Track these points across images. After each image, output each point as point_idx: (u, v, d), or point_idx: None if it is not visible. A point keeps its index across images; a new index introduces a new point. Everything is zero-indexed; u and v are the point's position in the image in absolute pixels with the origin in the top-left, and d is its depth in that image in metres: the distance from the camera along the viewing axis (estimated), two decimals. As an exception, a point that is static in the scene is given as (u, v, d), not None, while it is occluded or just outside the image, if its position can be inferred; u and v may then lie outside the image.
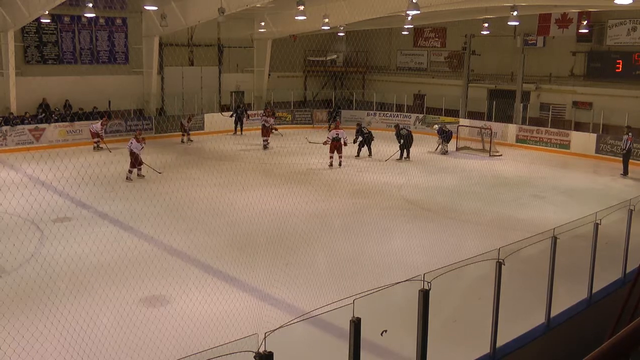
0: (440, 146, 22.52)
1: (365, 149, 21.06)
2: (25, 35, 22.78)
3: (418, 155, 21.04)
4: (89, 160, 13.89)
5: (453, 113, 26.58)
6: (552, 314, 6.48)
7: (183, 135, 23.77)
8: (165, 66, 26.21)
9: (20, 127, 21.24)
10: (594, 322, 6.97)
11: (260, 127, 23.34)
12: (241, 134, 25.73)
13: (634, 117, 20.84)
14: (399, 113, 28.61)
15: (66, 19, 23.73)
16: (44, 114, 22.27)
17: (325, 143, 19.32)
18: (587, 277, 7.18)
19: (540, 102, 25.98)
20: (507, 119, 24.93)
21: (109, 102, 23.78)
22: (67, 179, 11.31)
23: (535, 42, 26.02)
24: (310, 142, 20.64)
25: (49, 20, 22.41)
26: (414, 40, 31.67)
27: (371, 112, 29.23)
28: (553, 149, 23.09)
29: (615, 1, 14.79)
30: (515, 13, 18.64)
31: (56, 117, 22.52)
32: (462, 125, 24.38)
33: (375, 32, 30.20)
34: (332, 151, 19.15)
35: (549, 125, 24.03)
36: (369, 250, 10.97)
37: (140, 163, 16.94)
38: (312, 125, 28.27)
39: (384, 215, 13.78)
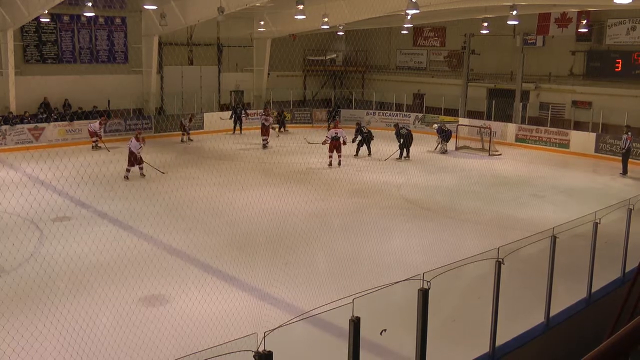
0: (439, 145, 22.53)
1: (364, 148, 21.05)
2: (24, 34, 22.76)
3: (417, 154, 21.04)
4: (88, 159, 13.86)
5: (452, 112, 26.58)
6: (552, 313, 6.48)
7: (183, 134, 23.77)
8: (164, 65, 26.20)
9: (19, 126, 21.24)
10: (593, 322, 6.97)
11: (260, 126, 23.36)
12: (240, 133, 25.74)
13: (633, 116, 20.85)
14: (398, 112, 28.62)
15: (65, 18, 23.72)
16: (45, 114, 22.28)
17: (324, 143, 19.31)
18: (586, 277, 7.18)
19: (539, 102, 25.99)
20: (507, 118, 24.95)
21: (109, 101, 23.79)
22: (67, 179, 11.30)
23: (534, 41, 26.03)
24: (309, 143, 20.63)
25: (48, 20, 22.40)
26: (414, 40, 31.67)
27: (371, 111, 29.24)
28: (552, 148, 23.10)
29: (614, 0, 14.79)
30: (514, 12, 18.65)
31: (55, 117, 22.51)
32: (461, 125, 24.39)
33: (374, 32, 30.19)
34: (331, 150, 19.14)
35: (549, 125, 24.05)
36: (368, 250, 10.96)
37: (141, 162, 16.94)
38: (311, 125, 28.26)
39: (383, 214, 13.78)
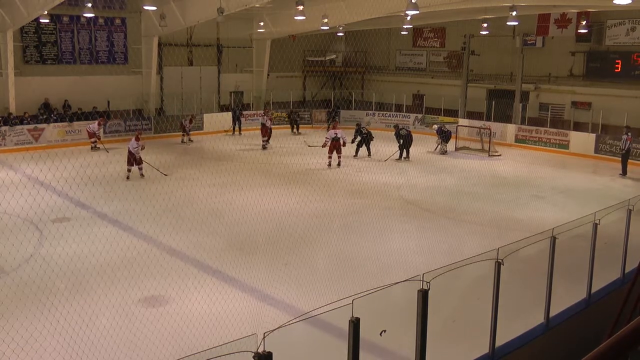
0: (439, 146, 22.53)
1: (364, 149, 21.05)
2: (24, 35, 22.76)
3: (417, 155, 21.04)
4: (87, 160, 13.90)
5: (452, 113, 26.58)
6: (551, 314, 6.48)
7: (183, 135, 23.77)
8: (164, 66, 26.21)
9: (19, 127, 21.22)
10: (593, 322, 6.97)
11: (260, 127, 23.38)
12: (240, 134, 25.74)
13: (633, 117, 20.85)
14: (398, 113, 28.62)
15: (65, 19, 23.72)
16: (45, 114, 22.27)
17: (324, 145, 19.32)
18: (586, 277, 7.18)
19: (539, 102, 25.99)
20: (506, 119, 24.95)
21: (108, 102, 23.79)
22: (66, 179, 11.29)
23: (534, 42, 26.04)
24: (309, 146, 20.65)
25: (48, 20, 22.38)
26: (413, 40, 31.68)
27: (370, 112, 29.24)
28: (552, 149, 23.10)
29: (614, 1, 14.80)
30: (514, 13, 18.65)
31: (55, 117, 22.51)
32: (461, 125, 24.39)
33: (374, 32, 30.18)
34: (331, 151, 19.15)
35: (548, 125, 24.05)
36: (368, 250, 10.96)
37: (140, 162, 16.94)
38: (311, 125, 28.26)
39: (383, 215, 13.78)
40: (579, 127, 23.41)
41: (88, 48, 24.55)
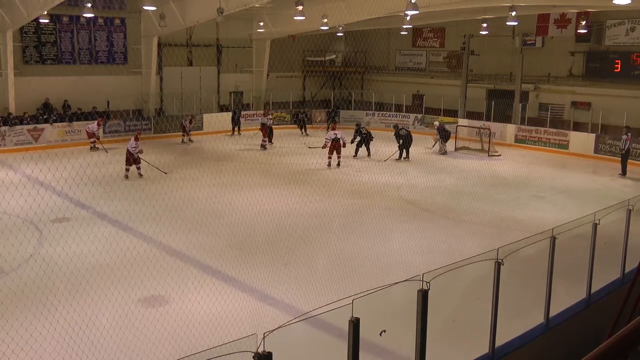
0: (437, 144, 22.52)
1: (363, 149, 21.05)
2: (24, 35, 22.76)
3: (417, 155, 21.05)
4: (87, 160, 13.90)
5: (452, 113, 26.59)
6: (551, 314, 6.49)
7: (183, 135, 23.76)
8: (164, 66, 26.20)
9: (19, 127, 21.22)
10: (593, 322, 6.97)
11: (259, 127, 23.37)
12: (239, 134, 25.74)
13: (632, 117, 20.87)
14: (397, 113, 28.63)
15: (65, 19, 23.71)
16: (45, 114, 22.27)
17: (324, 147, 19.32)
18: (585, 277, 7.18)
19: (539, 102, 26.00)
20: (506, 119, 24.96)
21: (108, 102, 23.79)
22: (66, 180, 11.28)
23: (534, 42, 26.04)
24: (310, 148, 20.65)
25: (47, 21, 22.37)
26: (413, 41, 31.68)
27: (370, 112, 29.25)
28: (552, 149, 23.11)
29: (613, 1, 14.81)
30: (513, 13, 18.66)
31: (55, 117, 22.50)
32: (461, 125, 24.40)
33: (374, 32, 30.18)
34: (331, 152, 19.16)
35: (548, 126, 24.05)
36: (367, 251, 10.97)
37: (138, 162, 16.93)
38: (310, 125, 28.25)
39: (382, 215, 13.78)
40: (578, 127, 23.42)
41: (88, 48, 24.55)
